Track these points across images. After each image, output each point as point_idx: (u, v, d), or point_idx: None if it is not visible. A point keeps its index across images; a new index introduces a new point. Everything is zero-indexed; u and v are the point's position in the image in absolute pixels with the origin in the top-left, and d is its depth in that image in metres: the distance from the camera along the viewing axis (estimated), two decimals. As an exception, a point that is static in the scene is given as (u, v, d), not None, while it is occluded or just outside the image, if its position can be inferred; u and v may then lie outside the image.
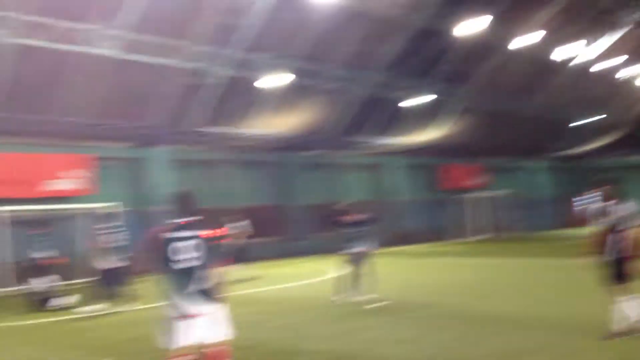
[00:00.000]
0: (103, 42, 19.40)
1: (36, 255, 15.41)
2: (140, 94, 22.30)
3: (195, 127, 24.12)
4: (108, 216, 14.98)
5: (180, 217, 6.32)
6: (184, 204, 6.41)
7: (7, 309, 14.79)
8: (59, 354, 9.33)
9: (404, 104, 30.52)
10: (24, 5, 17.24)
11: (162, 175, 24.49)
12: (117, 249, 13.43)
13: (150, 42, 20.58)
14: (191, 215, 6.35)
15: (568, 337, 8.67)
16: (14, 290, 17.44)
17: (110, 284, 13.19)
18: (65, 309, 13.96)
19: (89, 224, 17.17)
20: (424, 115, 32.66)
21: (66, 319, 12.74)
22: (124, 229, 13.84)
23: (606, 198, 8.50)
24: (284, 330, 10.40)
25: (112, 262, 13.20)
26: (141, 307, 14.16)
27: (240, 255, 16.83)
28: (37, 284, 14.47)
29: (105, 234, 13.45)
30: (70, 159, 21.89)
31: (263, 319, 11.57)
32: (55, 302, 14.22)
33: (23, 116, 20.23)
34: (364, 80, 27.80)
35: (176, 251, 6.16)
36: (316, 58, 25.64)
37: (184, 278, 6.19)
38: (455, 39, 28.59)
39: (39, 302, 14.15)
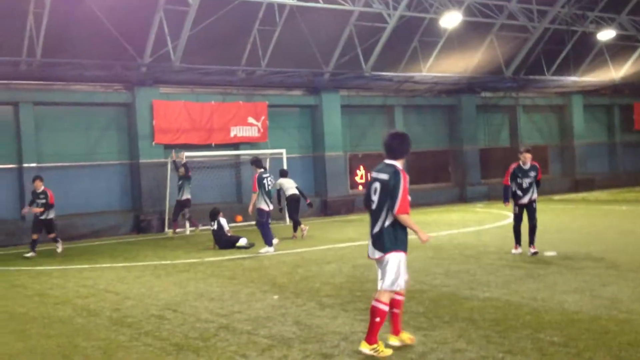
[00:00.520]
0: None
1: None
2: (313, 41, 22.64)
3: (367, 71, 24.11)
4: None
5: (387, 157, 6.62)
6: (388, 145, 6.67)
7: (194, 246, 16.10)
8: (239, 287, 10.00)
9: (593, 38, 28.03)
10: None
11: (334, 122, 24.92)
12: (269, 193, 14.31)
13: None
14: (393, 157, 6.60)
15: None
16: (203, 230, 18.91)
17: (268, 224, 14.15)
18: (245, 248, 14.86)
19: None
20: (617, 50, 29.94)
21: (247, 257, 13.59)
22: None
23: None
24: (452, 276, 10.31)
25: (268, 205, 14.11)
26: (314, 247, 14.74)
27: None
28: (221, 222, 15.46)
29: (266, 178, 14.10)
30: (247, 108, 22.96)
31: (432, 264, 11.57)
32: (237, 241, 15.16)
33: (204, 66, 21.48)
34: (547, 15, 25.93)
35: (373, 191, 6.51)
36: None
37: (371, 219, 6.58)
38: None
39: (224, 242, 15.16)
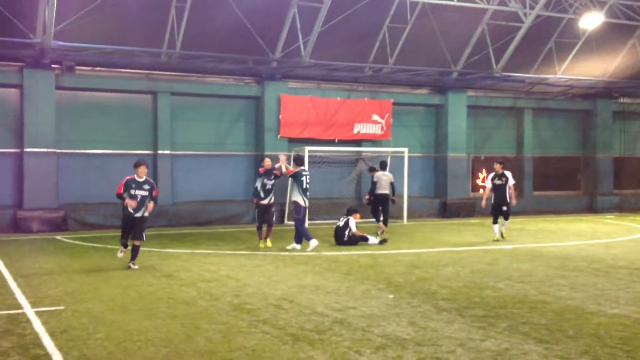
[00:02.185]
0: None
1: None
2: (443, 39, 22.30)
3: (497, 72, 23.42)
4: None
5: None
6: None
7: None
8: (354, 283, 10.07)
9: None
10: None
11: (459, 122, 24.43)
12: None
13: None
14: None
15: None
16: (322, 224, 19.19)
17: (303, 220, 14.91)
18: (364, 245, 14.96)
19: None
20: None
21: (364, 254, 13.66)
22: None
23: None
24: (578, 289, 9.81)
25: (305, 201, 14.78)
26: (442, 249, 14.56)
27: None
28: (349, 222, 15.58)
29: (305, 175, 14.74)
30: (372, 105, 23.01)
31: (557, 275, 11.09)
32: (364, 240, 15.29)
33: (332, 62, 21.73)
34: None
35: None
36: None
37: None
38: None
39: (342, 240, 15.30)
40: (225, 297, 9.20)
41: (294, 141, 21.73)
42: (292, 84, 22.32)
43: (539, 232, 18.47)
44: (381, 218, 17.20)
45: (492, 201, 16.43)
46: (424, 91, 24.78)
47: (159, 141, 20.60)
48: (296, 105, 21.88)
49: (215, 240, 16.48)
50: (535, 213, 24.49)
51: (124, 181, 11.85)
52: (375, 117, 23.00)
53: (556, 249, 14.65)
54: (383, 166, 18.22)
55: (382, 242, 15.40)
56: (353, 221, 15.47)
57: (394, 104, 23.44)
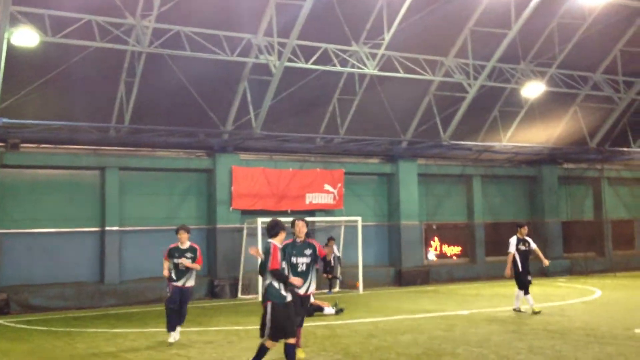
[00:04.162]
0: (360, 62, 20.19)
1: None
2: (391, 110, 22.77)
3: (445, 140, 23.92)
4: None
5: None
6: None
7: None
8: (311, 355, 9.75)
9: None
10: (290, 30, 18.63)
11: (410, 190, 24.67)
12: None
13: (403, 58, 20.92)
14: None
15: None
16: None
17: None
18: (320, 316, 14.64)
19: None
20: None
21: (320, 325, 13.33)
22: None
23: None
24: (536, 352, 9.73)
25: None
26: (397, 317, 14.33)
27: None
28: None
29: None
30: (324, 175, 23.10)
31: (514, 339, 11.00)
32: (320, 310, 14.97)
33: (282, 133, 21.88)
34: (634, 85, 25.19)
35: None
36: (578, 65, 23.91)
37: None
38: None
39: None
40: (175, 375, 8.75)
41: (247, 213, 21.51)
42: (243, 156, 22.29)
43: (493, 297, 18.46)
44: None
45: (520, 269, 14.57)
46: (375, 160, 25.06)
47: (106, 217, 20.11)
48: (248, 177, 21.80)
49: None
50: (489, 278, 24.53)
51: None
52: (328, 187, 23.05)
53: (512, 313, 14.60)
54: (328, 240, 20.33)
55: (339, 312, 15.11)
56: (309, 292, 15.16)
57: (346, 173, 23.59)
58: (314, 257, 9.59)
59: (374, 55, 20.38)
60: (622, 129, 27.54)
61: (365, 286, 21.68)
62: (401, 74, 20.93)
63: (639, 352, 9.47)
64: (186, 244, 11.61)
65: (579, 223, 28.95)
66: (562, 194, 28.28)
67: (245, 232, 20.81)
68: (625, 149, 27.83)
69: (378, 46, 20.18)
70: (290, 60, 19.00)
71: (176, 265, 11.49)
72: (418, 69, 21.28)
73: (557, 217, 27.80)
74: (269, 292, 8.10)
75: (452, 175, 26.51)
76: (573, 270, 26.86)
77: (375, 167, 25.01)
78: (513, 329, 12.17)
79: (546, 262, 15.24)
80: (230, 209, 21.39)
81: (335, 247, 21.57)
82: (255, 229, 19.80)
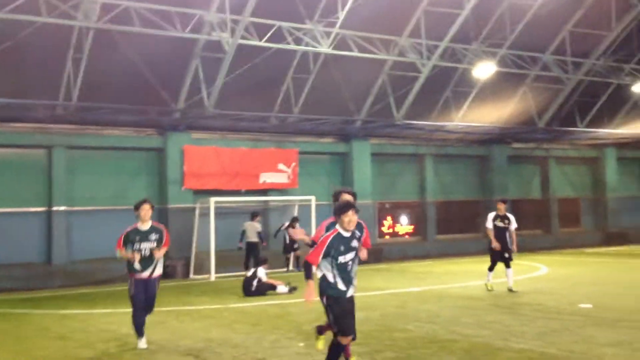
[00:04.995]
0: (315, 40, 20.08)
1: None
2: (345, 89, 22.77)
3: (398, 120, 24.07)
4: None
5: None
6: None
7: (218, 294, 15.87)
8: (263, 333, 9.74)
9: (629, 90, 27.65)
10: (243, 7, 18.36)
11: (364, 170, 24.80)
12: None
13: (358, 37, 20.88)
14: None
15: None
16: (221, 276, 18.73)
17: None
18: (273, 295, 14.64)
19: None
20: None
21: (273, 304, 13.34)
22: None
23: None
24: (485, 326, 9.92)
25: None
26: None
27: None
28: (257, 272, 15.20)
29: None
30: (278, 154, 23.01)
31: (464, 314, 11.19)
32: (273, 289, 14.97)
33: (237, 112, 21.67)
34: (582, 67, 25.72)
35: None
36: (528, 45, 24.26)
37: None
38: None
39: (254, 289, 14.89)
40: (125, 356, 8.64)
41: (200, 193, 21.29)
42: (196, 135, 21.99)
43: (444, 274, 18.77)
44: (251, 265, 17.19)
45: (491, 245, 14.29)
46: (329, 140, 25.06)
47: (53, 197, 19.63)
48: (200, 157, 21.54)
49: (116, 298, 15.60)
50: (440, 256, 24.94)
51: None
52: (282, 166, 22.98)
53: (462, 290, 14.87)
54: (252, 216, 20.32)
55: (292, 290, 15.13)
56: (262, 271, 15.15)
57: (301, 152, 23.53)
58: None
59: (328, 34, 20.29)
60: (570, 109, 28.17)
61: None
62: (355, 53, 20.90)
63: (582, 325, 9.76)
64: (148, 224, 9.20)
65: (527, 201, 29.63)
66: (511, 173, 28.85)
67: (197, 212, 20.59)
68: (572, 129, 28.51)
69: (332, 25, 20.10)
70: (243, 37, 18.77)
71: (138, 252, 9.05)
72: (372, 48, 21.29)
73: (506, 195, 28.33)
74: (322, 284, 6.89)
75: (405, 155, 26.73)
76: (521, 247, 27.43)
77: (329, 146, 25.02)
78: (463, 304, 12.39)
79: (514, 248, 14.28)
80: (182, 188, 21.12)
81: (298, 227, 21.68)
82: (208, 208, 19.63)
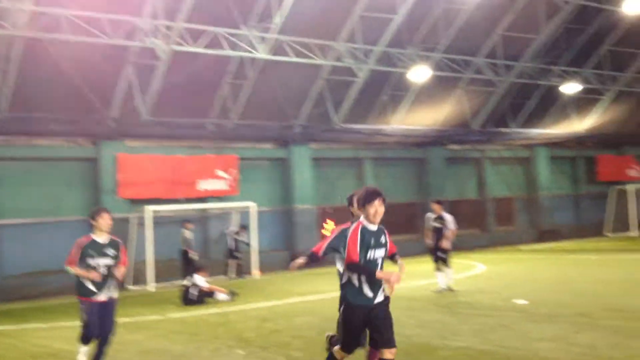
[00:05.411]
0: (251, 45, 19.99)
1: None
2: (283, 94, 22.76)
3: (337, 124, 24.19)
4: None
5: None
6: None
7: (156, 304, 15.56)
8: (203, 343, 9.58)
9: (557, 91, 28.63)
10: (177, 13, 18.12)
11: (304, 175, 24.81)
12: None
13: (294, 42, 20.90)
14: None
15: None
16: (161, 287, 18.39)
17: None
18: (214, 303, 14.45)
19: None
20: (581, 103, 30.63)
21: (214, 313, 13.15)
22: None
23: None
24: (425, 326, 10.05)
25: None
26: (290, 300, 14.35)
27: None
28: (194, 279, 14.95)
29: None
30: (216, 160, 22.76)
31: (405, 315, 11.24)
32: (212, 296, 14.76)
33: (173, 119, 21.36)
34: (513, 69, 26.45)
35: None
36: (461, 49, 24.79)
37: None
38: (617, 19, 26.56)
39: (193, 297, 14.64)
40: (59, 372, 8.34)
41: (136, 202, 20.84)
42: (131, 143, 21.50)
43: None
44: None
45: (432, 246, 14.55)
46: (268, 145, 24.95)
47: (-17, 210, 18.87)
48: (136, 165, 21.09)
49: (49, 313, 15.13)
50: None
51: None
52: (221, 173, 22.72)
53: (403, 290, 14.92)
54: (183, 224, 20.63)
55: (233, 295, 14.92)
56: (200, 279, 14.93)
57: (240, 159, 23.32)
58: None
59: (264, 40, 20.23)
60: (503, 111, 28.92)
61: (261, 271, 21.64)
62: (292, 59, 20.91)
63: (518, 321, 9.98)
64: (105, 237, 7.79)
65: (464, 202, 30.20)
66: (448, 174, 29.38)
67: (134, 221, 20.16)
68: (505, 130, 29.28)
69: (269, 30, 20.04)
70: (177, 43, 18.51)
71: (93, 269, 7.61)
72: (309, 54, 21.33)
73: (443, 196, 28.84)
74: (343, 291, 6.13)
75: (344, 159, 26.87)
76: (459, 247, 27.96)
77: (269, 152, 24.92)
78: (404, 305, 12.46)
79: (444, 244, 14.30)
80: (117, 197, 20.63)
81: (245, 235, 21.63)
82: (146, 218, 19.26)
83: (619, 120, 32.62)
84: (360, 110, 24.92)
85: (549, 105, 29.83)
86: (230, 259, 21.32)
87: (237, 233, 21.48)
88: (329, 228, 26.67)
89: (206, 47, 19.15)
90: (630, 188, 31.57)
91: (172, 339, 10.36)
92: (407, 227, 28.58)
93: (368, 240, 5.92)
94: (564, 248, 26.21)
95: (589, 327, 9.15)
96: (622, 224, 31.51)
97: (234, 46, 19.85)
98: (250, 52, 20.12)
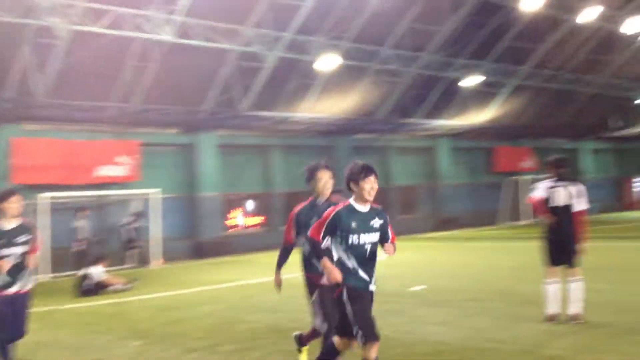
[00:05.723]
0: (156, 28, 19.45)
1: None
2: (189, 79, 22.32)
3: (244, 111, 24.01)
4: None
5: None
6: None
7: (51, 294, 14.99)
8: (97, 335, 9.31)
9: (460, 84, 29.63)
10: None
11: (209, 162, 24.50)
12: None
13: (202, 26, 20.50)
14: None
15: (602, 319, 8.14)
16: (58, 276, 17.75)
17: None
18: (112, 293, 14.06)
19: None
20: (481, 96, 31.79)
21: (110, 303, 12.80)
22: None
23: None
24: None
25: None
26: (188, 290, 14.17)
27: None
28: (90, 270, 14.47)
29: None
30: (117, 146, 22.09)
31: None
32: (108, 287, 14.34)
33: (72, 102, 20.52)
34: (417, 61, 27.09)
35: None
36: (369, 39, 25.13)
37: None
38: (516, 15, 27.65)
39: (89, 287, 14.18)
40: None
41: (33, 188, 19.89)
42: (27, 127, 20.52)
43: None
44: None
45: None
46: (173, 131, 24.45)
47: None
48: (32, 149, 20.15)
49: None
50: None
51: None
52: (122, 158, 22.06)
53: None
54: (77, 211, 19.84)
55: (131, 284, 14.55)
56: (97, 269, 14.46)
57: (144, 144, 22.73)
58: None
59: (170, 22, 19.74)
60: (408, 101, 29.60)
61: (165, 260, 21.25)
62: (199, 42, 20.53)
63: (415, 306, 10.29)
64: (15, 221, 7.05)
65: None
66: (355, 163, 29.74)
67: (30, 208, 19.24)
68: (409, 121, 30.00)
69: (174, 12, 19.57)
70: (78, 23, 17.76)
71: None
72: (217, 38, 21.01)
73: (350, 185, 29.23)
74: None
75: (251, 146, 26.74)
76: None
77: (174, 138, 24.43)
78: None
79: None
80: (12, 183, 19.64)
81: (141, 222, 21.20)
82: (43, 204, 18.46)
83: (516, 113, 34.15)
84: (269, 97, 24.83)
85: (451, 97, 30.80)
86: (129, 250, 20.83)
87: (132, 222, 20.98)
88: (235, 216, 26.57)
89: (109, 27, 18.49)
90: (523, 179, 33.14)
91: (64, 330, 10.01)
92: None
93: (347, 222, 5.39)
94: (461, 236, 27.21)
95: (477, 311, 9.57)
96: (515, 213, 33.03)
97: (138, 28, 19.27)
98: (155, 34, 19.59)
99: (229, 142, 25.66)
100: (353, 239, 5.38)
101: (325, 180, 6.20)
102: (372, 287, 5.48)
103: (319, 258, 5.44)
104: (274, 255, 6.74)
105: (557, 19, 29.11)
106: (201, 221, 24.10)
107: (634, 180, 43.20)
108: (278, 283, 6.45)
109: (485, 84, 30.12)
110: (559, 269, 8.50)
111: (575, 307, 8.30)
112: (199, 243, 23.84)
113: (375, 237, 5.50)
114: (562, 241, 8.44)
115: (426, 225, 31.27)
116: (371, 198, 5.48)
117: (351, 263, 5.39)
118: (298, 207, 6.32)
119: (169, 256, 21.80)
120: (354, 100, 27.85)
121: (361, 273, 5.40)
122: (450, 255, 19.54)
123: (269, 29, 21.99)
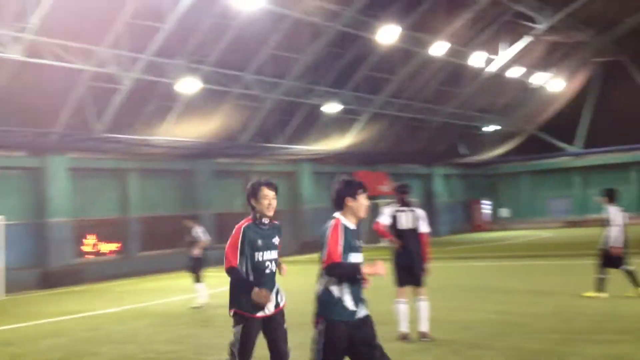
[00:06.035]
0: (3, 46, 18.25)
1: None
2: (39, 100, 21.10)
3: (98, 133, 23.03)
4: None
5: None
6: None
7: None
8: None
9: (320, 110, 30.34)
10: None
11: (60, 186, 23.23)
12: None
13: (53, 45, 19.50)
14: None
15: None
16: None
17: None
18: None
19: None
20: (341, 122, 32.71)
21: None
22: None
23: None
24: (179, 341, 9.90)
25: None
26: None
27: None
28: None
29: None
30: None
31: (159, 332, 11.02)
32: None
33: None
34: (279, 87, 27.45)
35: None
36: (231, 64, 25.12)
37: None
38: (373, 47, 28.80)
39: None
40: None
41: None
42: None
43: (145, 292, 18.37)
44: None
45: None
46: (20, 154, 22.95)
47: None
48: None
49: None
50: (145, 273, 24.30)
51: None
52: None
53: (161, 307, 14.68)
54: None
55: None
56: None
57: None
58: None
59: (19, 40, 18.62)
60: (270, 126, 29.87)
61: (8, 291, 19.76)
62: (50, 61, 19.55)
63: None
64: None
65: (232, 214, 30.53)
66: (216, 187, 29.51)
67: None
68: (271, 145, 30.25)
69: (24, 30, 18.51)
70: None
71: None
72: (69, 58, 20.09)
73: (210, 209, 28.91)
74: (322, 302, 5.07)
75: (106, 170, 25.71)
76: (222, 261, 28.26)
77: (20, 160, 22.96)
78: (161, 321, 12.21)
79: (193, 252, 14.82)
80: None
81: None
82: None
83: (374, 140, 35.50)
84: (126, 119, 24.04)
85: (312, 123, 31.47)
86: None
87: None
88: (90, 243, 25.32)
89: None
90: (381, 202, 34.31)
91: None
92: (173, 241, 28.11)
93: (349, 240, 5.08)
94: (313, 259, 27.60)
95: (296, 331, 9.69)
96: (374, 235, 34.05)
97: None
98: (1, 52, 18.40)
99: (82, 166, 24.48)
100: (351, 259, 5.06)
101: (270, 199, 5.75)
102: (361, 313, 5.09)
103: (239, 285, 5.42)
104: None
105: (410, 52, 30.73)
106: (50, 249, 22.72)
107: (482, 203, 46.18)
108: (265, 295, 5.67)
109: (344, 111, 31.08)
110: (407, 289, 8.84)
111: (423, 326, 8.66)
112: (46, 272, 22.41)
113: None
114: (409, 263, 8.81)
115: (289, 249, 31.47)
116: (364, 215, 5.21)
117: (340, 291, 5.08)
118: (244, 223, 5.86)
119: (14, 287, 20.30)
120: (215, 124, 27.67)
121: (348, 301, 5.08)
122: (309, 278, 19.70)
123: (126, 49, 21.37)
